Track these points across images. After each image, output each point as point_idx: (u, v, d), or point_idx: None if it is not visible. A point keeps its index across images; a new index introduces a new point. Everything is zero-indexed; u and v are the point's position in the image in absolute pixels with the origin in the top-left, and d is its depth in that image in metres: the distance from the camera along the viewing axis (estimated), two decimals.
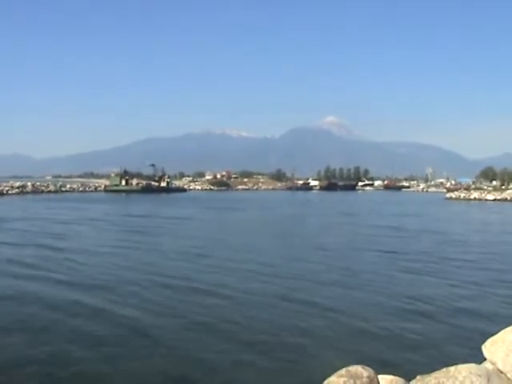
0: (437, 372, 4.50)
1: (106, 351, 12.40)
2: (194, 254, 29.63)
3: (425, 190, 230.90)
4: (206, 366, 11.51)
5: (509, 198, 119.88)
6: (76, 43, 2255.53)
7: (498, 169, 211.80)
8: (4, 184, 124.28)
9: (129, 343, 12.95)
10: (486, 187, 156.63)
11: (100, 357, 12.00)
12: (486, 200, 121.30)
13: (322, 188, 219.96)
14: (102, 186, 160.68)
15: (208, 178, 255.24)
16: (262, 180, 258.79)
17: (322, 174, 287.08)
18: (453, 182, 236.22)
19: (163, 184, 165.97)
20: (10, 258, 26.41)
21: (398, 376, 4.89)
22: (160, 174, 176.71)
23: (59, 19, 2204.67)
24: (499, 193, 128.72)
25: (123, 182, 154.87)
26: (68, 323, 14.53)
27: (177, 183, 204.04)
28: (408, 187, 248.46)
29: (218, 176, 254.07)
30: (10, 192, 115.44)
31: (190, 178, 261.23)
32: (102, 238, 37.92)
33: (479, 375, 4.30)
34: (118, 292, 18.55)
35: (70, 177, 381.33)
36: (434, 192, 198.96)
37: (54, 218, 54.37)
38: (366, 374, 4.48)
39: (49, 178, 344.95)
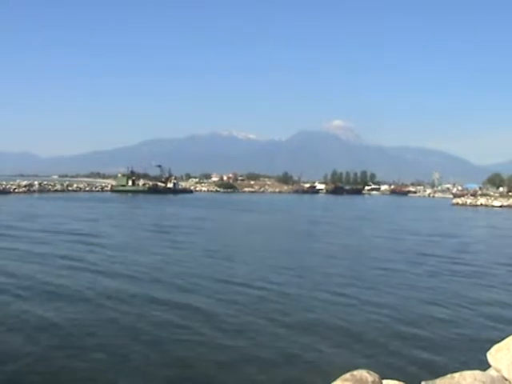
0: (441, 378, 4.52)
1: None
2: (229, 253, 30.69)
3: (431, 195, 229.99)
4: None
5: None
6: (81, 42, 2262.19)
7: (504, 175, 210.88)
8: (11, 182, 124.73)
9: None
10: (492, 193, 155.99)
11: None
12: (493, 206, 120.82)
13: (328, 192, 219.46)
14: (109, 186, 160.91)
15: (214, 179, 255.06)
16: (268, 182, 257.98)
17: (329, 177, 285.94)
18: (459, 188, 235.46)
19: (170, 185, 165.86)
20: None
21: (403, 381, 4.91)
22: (166, 174, 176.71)
23: (61, 18, 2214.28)
24: (506, 199, 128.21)
25: (130, 183, 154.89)
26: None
27: (183, 184, 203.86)
28: (414, 192, 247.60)
29: (225, 178, 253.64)
30: (16, 190, 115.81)
31: (197, 180, 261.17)
32: (125, 237, 38.79)
33: (483, 382, 4.31)
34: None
35: (76, 176, 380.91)
36: (441, 198, 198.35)
37: (75, 215, 55.98)
38: (370, 378, 4.49)
39: (55, 177, 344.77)
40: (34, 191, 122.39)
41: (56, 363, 11.67)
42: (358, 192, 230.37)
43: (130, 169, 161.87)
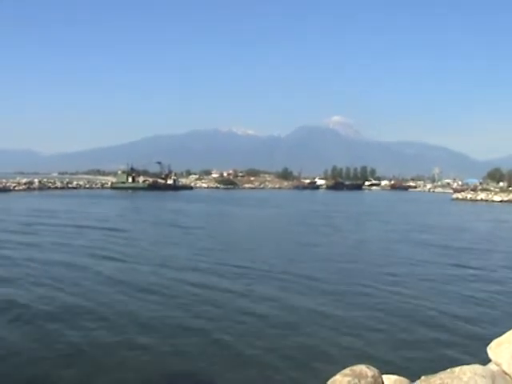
0: (441, 373, 4.50)
1: None
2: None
3: (431, 190, 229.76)
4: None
5: None
6: (84, 40, 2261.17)
7: (504, 170, 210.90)
8: (11, 180, 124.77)
9: None
10: (492, 188, 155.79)
11: None
12: (493, 201, 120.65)
13: (328, 187, 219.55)
14: (109, 183, 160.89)
15: (214, 175, 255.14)
16: (268, 178, 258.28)
17: (329, 173, 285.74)
18: (459, 183, 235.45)
19: (170, 181, 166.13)
20: None
21: (403, 376, 4.89)
22: (166, 171, 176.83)
23: (60, 15, 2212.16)
24: (506, 194, 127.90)
25: (130, 180, 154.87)
26: None
27: (183, 181, 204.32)
28: (415, 187, 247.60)
29: (225, 174, 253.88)
30: (17, 188, 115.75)
31: (197, 176, 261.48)
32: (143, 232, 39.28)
33: (484, 376, 4.29)
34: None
35: (76, 173, 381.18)
36: (441, 193, 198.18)
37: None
38: (370, 373, 4.48)
39: (55, 174, 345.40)
40: (34, 189, 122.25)
41: None
42: (358, 187, 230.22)
43: (129, 166, 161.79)
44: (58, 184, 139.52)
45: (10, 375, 10.52)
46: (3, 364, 11.08)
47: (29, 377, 10.51)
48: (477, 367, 4.45)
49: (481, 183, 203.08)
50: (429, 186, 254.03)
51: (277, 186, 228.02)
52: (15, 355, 11.59)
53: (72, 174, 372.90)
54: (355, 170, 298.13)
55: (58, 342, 12.58)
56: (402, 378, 4.82)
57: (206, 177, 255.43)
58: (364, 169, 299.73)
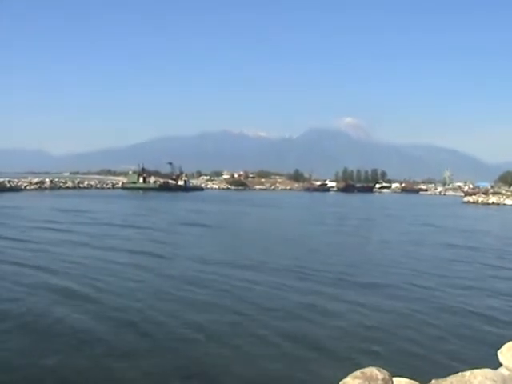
0: (452, 376, 4.50)
1: None
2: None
3: (442, 193, 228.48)
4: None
5: None
6: (93, 44, 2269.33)
7: None
8: (23, 180, 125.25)
9: None
10: (504, 192, 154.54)
11: None
12: (505, 205, 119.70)
13: (339, 189, 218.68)
14: (120, 184, 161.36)
15: (225, 177, 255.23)
16: (279, 180, 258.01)
17: (340, 175, 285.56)
18: (471, 186, 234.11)
19: (181, 182, 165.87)
20: None
21: (413, 379, 4.89)
22: (177, 172, 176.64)
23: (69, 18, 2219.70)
24: None
25: (141, 180, 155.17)
26: None
27: (194, 182, 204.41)
28: (426, 190, 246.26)
29: (236, 175, 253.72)
30: (28, 188, 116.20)
31: (208, 177, 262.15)
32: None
33: (494, 381, 4.29)
34: None
35: (87, 173, 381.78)
36: (452, 196, 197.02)
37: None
38: (380, 376, 4.48)
39: (66, 174, 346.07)
40: (46, 188, 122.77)
41: None
42: (369, 190, 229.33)
43: (140, 166, 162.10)
44: (70, 184, 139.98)
45: None
46: None
47: None
48: (487, 371, 4.45)
49: (492, 187, 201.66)
50: (440, 188, 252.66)
51: (288, 187, 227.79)
52: None
53: (83, 173, 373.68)
54: (366, 172, 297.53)
55: None
56: (412, 381, 4.83)
57: (216, 178, 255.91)
58: (375, 171, 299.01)
